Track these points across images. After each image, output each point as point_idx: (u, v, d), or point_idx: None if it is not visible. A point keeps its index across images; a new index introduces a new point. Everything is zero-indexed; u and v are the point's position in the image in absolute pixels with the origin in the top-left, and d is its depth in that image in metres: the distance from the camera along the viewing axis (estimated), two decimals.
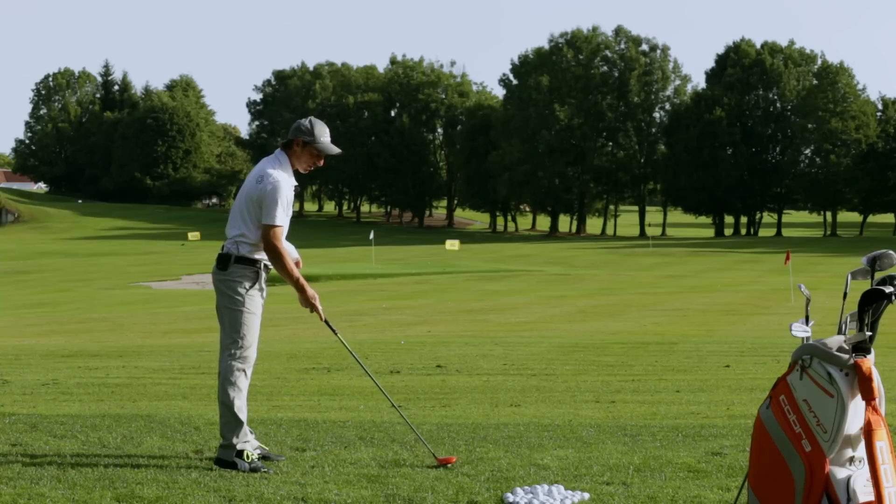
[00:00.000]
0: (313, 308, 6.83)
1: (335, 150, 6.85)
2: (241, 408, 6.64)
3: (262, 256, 6.76)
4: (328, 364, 15.95)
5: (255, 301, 6.73)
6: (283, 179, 6.70)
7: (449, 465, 6.61)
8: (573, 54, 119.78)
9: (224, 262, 6.75)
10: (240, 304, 6.70)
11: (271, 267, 6.82)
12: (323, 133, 6.79)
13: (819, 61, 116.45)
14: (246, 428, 6.67)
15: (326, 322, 6.98)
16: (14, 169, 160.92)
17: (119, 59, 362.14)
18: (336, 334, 7.09)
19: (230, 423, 6.61)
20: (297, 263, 6.98)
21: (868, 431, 4.44)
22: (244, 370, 6.69)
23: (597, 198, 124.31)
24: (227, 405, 6.62)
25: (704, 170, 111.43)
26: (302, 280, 6.77)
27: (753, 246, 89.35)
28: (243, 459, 6.54)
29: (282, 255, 6.70)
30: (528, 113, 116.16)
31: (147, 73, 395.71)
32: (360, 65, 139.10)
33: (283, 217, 6.68)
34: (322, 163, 6.85)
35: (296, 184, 6.88)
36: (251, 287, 6.72)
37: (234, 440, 6.59)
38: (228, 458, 6.55)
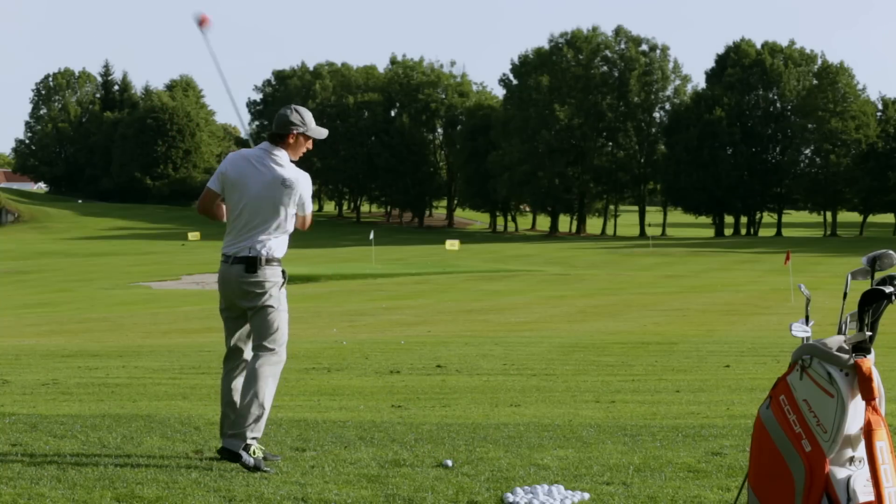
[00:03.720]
0: None
1: (324, 132, 7.00)
2: (270, 406, 6.83)
3: (283, 254, 6.93)
4: (328, 364, 15.95)
5: (285, 300, 6.93)
6: (236, 155, 6.91)
7: None
8: (573, 54, 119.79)
9: (257, 263, 6.79)
10: (281, 303, 6.86)
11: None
12: (311, 119, 6.94)
13: (819, 61, 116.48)
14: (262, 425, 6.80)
15: None
16: (14, 169, 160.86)
17: (119, 59, 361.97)
18: None
19: (258, 418, 6.65)
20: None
21: (868, 431, 4.44)
22: (280, 371, 6.91)
23: (597, 198, 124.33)
24: (259, 400, 6.67)
25: (704, 170, 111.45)
26: None
27: (753, 246, 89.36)
28: (249, 454, 6.54)
29: (200, 208, 7.05)
30: (528, 113, 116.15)
31: (147, 73, 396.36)
32: (360, 65, 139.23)
33: (214, 181, 6.89)
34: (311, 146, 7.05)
35: (283, 176, 6.81)
36: (284, 284, 6.91)
37: (249, 433, 6.61)
38: (235, 449, 6.54)
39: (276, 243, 6.80)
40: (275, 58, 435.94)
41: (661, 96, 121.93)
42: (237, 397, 6.84)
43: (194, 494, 5.73)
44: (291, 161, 6.85)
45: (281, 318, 6.84)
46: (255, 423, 6.63)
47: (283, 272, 6.88)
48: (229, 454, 6.55)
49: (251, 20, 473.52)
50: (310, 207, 6.94)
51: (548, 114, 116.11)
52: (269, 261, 6.79)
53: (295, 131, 6.80)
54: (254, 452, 6.57)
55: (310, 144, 6.95)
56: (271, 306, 6.81)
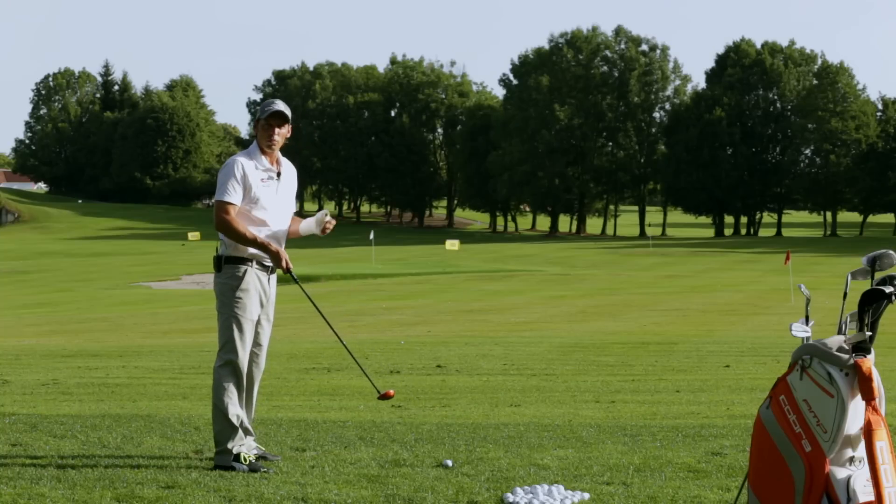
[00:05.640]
0: (283, 263, 6.69)
1: (274, 107, 6.71)
2: (235, 412, 6.59)
3: (252, 253, 6.65)
4: (328, 364, 15.96)
5: (242, 302, 6.62)
6: (240, 159, 6.68)
7: (390, 397, 7.40)
8: (573, 54, 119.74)
9: (217, 263, 6.73)
10: (226, 307, 6.63)
11: (272, 264, 6.75)
12: (268, 105, 6.75)
13: (819, 61, 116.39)
14: (241, 432, 6.62)
15: (291, 274, 6.82)
16: (14, 169, 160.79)
17: (119, 59, 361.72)
18: (303, 289, 7.13)
19: (224, 429, 6.56)
20: (326, 226, 6.95)
21: (868, 431, 4.44)
22: (231, 374, 6.61)
23: (597, 198, 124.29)
24: (220, 409, 6.58)
25: (704, 170, 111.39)
26: (261, 239, 6.62)
27: (753, 246, 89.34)
28: (241, 462, 6.50)
29: (231, 228, 6.56)
30: (528, 113, 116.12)
31: (147, 73, 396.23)
32: (360, 65, 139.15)
33: (233, 193, 6.58)
34: (279, 129, 6.70)
35: (271, 168, 6.74)
36: (238, 287, 6.62)
37: (230, 444, 6.56)
38: (226, 464, 6.51)
39: (230, 241, 6.70)
40: (275, 58, 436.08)
41: (661, 96, 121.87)
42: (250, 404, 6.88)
43: (194, 494, 5.73)
44: (266, 149, 6.74)
45: (228, 323, 6.62)
46: (232, 434, 6.56)
47: (245, 272, 6.62)
48: (223, 469, 6.52)
49: (251, 20, 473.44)
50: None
51: (548, 114, 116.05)
52: (227, 260, 6.69)
53: (254, 122, 6.86)
54: (245, 459, 6.52)
55: (271, 128, 6.70)
56: (220, 312, 6.69)
